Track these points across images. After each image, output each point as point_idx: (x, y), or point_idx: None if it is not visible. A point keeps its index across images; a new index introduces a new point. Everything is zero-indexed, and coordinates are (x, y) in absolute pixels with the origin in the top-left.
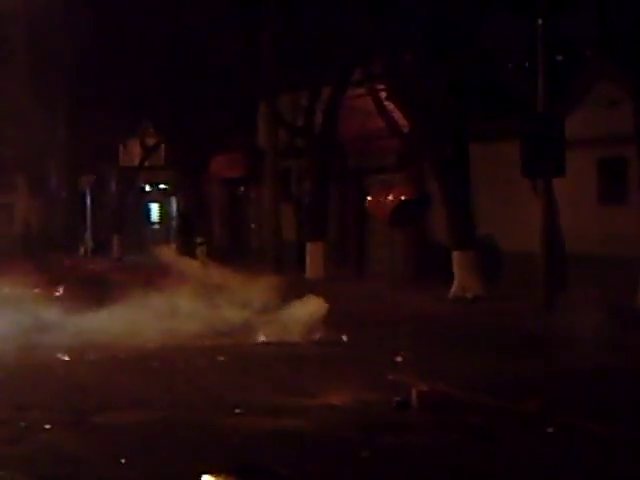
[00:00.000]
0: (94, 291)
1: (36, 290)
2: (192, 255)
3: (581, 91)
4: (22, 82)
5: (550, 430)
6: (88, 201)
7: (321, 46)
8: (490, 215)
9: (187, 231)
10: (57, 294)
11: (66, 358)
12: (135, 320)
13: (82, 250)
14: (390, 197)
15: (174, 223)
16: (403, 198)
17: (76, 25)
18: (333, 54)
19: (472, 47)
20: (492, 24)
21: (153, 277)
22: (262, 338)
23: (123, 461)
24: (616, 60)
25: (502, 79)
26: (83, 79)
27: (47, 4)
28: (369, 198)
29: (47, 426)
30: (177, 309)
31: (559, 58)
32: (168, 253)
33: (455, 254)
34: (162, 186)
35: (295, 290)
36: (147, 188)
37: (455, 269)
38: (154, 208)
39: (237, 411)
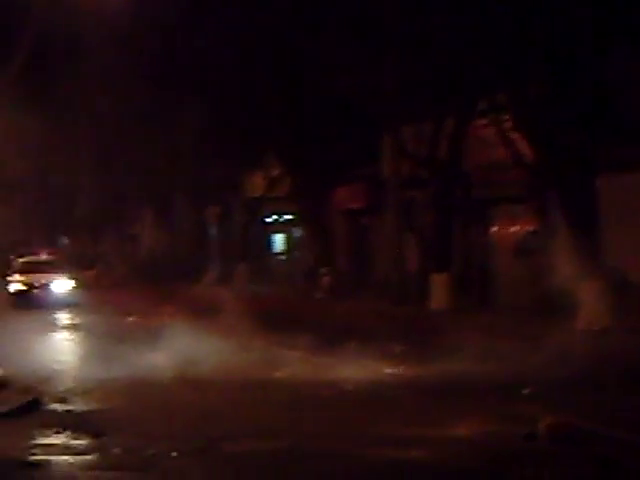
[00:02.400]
0: (219, 320)
1: (164, 317)
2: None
3: None
4: (148, 113)
5: None
6: (213, 231)
7: (446, 77)
8: (618, 246)
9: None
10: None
11: (192, 386)
12: (262, 349)
13: (207, 280)
14: (515, 228)
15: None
16: (529, 229)
17: (201, 57)
18: (458, 85)
19: (598, 79)
20: (617, 55)
21: (278, 307)
22: (388, 370)
23: None
24: None
25: (628, 109)
26: (207, 110)
27: (172, 36)
28: (494, 229)
29: (174, 454)
30: (304, 340)
31: None
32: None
33: (582, 285)
34: (286, 217)
35: (420, 322)
36: (271, 219)
37: (582, 300)
38: (278, 238)
39: (364, 441)
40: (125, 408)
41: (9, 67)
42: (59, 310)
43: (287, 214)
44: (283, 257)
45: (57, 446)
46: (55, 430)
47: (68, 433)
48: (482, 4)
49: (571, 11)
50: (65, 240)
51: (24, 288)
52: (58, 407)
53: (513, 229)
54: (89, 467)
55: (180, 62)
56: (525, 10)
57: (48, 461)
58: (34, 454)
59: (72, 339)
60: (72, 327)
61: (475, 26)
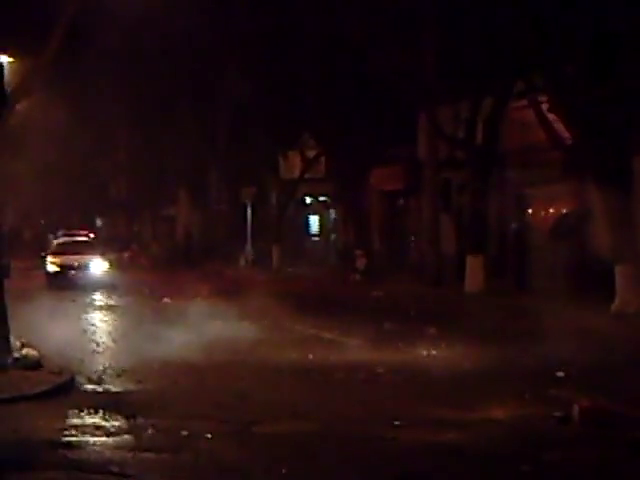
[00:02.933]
0: (254, 301)
1: (199, 298)
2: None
3: None
4: (184, 93)
5: None
6: (249, 212)
7: (483, 58)
8: None
9: None
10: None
11: (225, 368)
12: (296, 331)
13: (242, 261)
14: (552, 210)
15: (332, 235)
16: (565, 211)
17: (237, 37)
18: (495, 66)
19: (635, 56)
20: None
21: (313, 288)
22: (423, 352)
23: (284, 471)
24: None
25: None
26: (245, 90)
27: (210, 18)
28: (530, 211)
29: (208, 435)
30: (338, 322)
31: None
32: None
33: (618, 268)
34: (322, 198)
35: (455, 304)
36: (307, 200)
37: (618, 283)
38: (314, 220)
39: (396, 423)
40: (159, 389)
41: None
42: (94, 291)
43: (323, 195)
44: (319, 238)
45: (91, 426)
46: (89, 411)
47: (102, 414)
48: None
49: None
50: (101, 221)
51: (60, 269)
52: (93, 388)
53: (550, 211)
54: (123, 447)
55: (217, 40)
56: None
57: (82, 441)
58: (68, 434)
59: (107, 320)
60: (107, 308)
61: (512, 5)
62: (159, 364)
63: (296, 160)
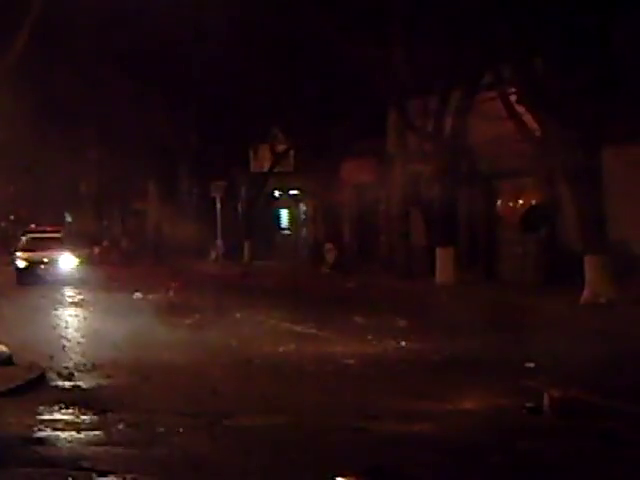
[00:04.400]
0: (224, 295)
1: (170, 293)
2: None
3: None
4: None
5: None
6: (218, 206)
7: (451, 50)
8: (623, 219)
9: None
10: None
11: (197, 362)
12: (267, 323)
13: (213, 255)
14: (521, 201)
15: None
16: (534, 202)
17: (207, 32)
18: (463, 58)
19: (603, 49)
20: (623, 25)
21: (283, 282)
22: (392, 344)
23: (254, 464)
24: None
25: (633, 81)
26: (213, 84)
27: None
28: (499, 202)
29: (180, 429)
30: (308, 315)
31: None
32: None
33: (587, 258)
34: (292, 192)
35: (425, 296)
36: (277, 194)
37: (587, 274)
38: (284, 214)
39: (367, 414)
40: (130, 384)
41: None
42: (65, 286)
43: (293, 189)
44: (289, 232)
45: (62, 422)
46: (60, 406)
47: (74, 409)
48: None
49: None
50: (70, 217)
51: (29, 265)
52: (63, 384)
53: (519, 203)
54: (95, 443)
55: (183, 38)
56: None
57: (53, 437)
58: (40, 430)
59: (77, 316)
60: (77, 304)
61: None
62: (129, 359)
63: (266, 154)
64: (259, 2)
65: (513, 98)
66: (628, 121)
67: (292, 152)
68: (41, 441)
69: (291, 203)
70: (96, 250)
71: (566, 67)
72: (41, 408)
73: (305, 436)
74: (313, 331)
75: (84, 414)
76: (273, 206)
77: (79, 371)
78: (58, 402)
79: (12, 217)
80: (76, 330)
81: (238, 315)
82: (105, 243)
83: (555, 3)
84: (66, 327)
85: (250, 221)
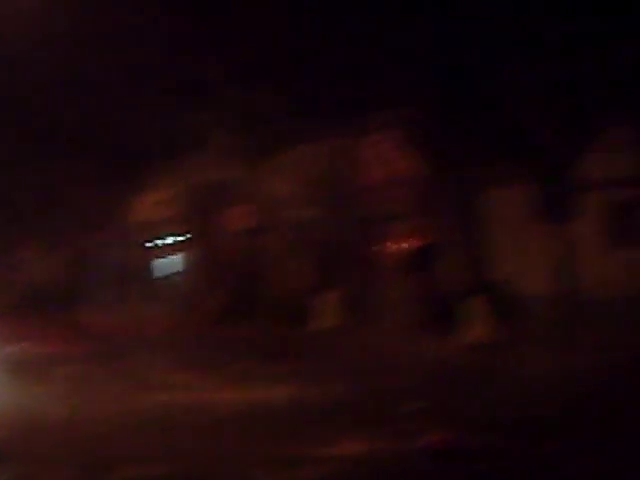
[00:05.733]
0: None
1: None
2: None
3: (594, 134)
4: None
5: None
6: (94, 253)
7: (331, 98)
8: (505, 259)
9: None
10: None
11: (82, 416)
12: (148, 375)
13: (90, 305)
14: (405, 244)
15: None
16: (419, 245)
17: None
18: (345, 104)
19: (484, 95)
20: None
21: (164, 331)
22: (277, 390)
23: None
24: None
25: (514, 124)
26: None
27: None
28: (384, 245)
29: None
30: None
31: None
32: None
33: (470, 299)
34: (170, 240)
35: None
36: (158, 241)
37: (471, 314)
38: (165, 261)
39: (248, 463)
40: (18, 437)
41: None
42: None
43: (175, 235)
44: (171, 280)
45: None
46: None
47: None
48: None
49: (456, 27)
50: None
51: None
52: None
53: (403, 245)
54: None
55: None
56: (407, 27)
57: None
58: None
59: None
60: None
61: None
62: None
63: (145, 202)
64: None
65: (395, 143)
66: (512, 163)
67: (174, 199)
68: None
69: (173, 250)
70: None
71: (445, 114)
72: None
73: None
74: (193, 381)
75: None
76: (153, 254)
77: None
78: None
79: None
80: None
81: (117, 366)
82: None
83: (440, 49)
84: None
85: (128, 269)
